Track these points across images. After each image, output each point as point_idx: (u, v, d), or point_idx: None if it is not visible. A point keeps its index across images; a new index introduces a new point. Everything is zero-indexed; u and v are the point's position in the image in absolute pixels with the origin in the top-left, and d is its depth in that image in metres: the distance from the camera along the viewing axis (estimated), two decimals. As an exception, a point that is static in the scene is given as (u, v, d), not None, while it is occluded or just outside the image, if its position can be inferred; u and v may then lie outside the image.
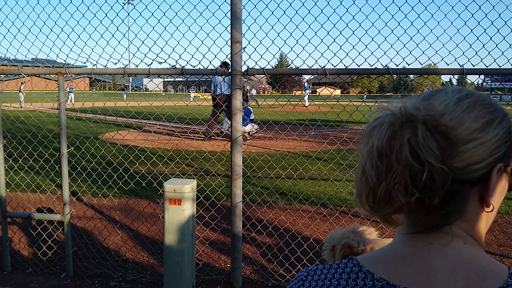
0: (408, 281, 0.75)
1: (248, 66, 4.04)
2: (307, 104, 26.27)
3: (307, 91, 29.92)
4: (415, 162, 0.72)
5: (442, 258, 0.76)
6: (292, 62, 4.45)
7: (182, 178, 4.52)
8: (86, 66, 4.36)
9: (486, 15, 3.71)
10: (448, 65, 3.73)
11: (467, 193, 0.76)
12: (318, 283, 0.83)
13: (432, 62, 4.54)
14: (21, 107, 28.62)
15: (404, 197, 0.74)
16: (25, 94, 31.25)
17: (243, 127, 14.57)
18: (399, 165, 0.73)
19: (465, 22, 3.76)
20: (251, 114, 14.73)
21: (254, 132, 14.72)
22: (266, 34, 4.21)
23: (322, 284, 0.82)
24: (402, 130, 0.74)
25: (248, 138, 14.55)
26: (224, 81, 12.32)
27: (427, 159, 0.71)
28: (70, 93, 34.43)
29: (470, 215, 0.78)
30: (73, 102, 33.27)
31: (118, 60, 4.40)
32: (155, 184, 5.62)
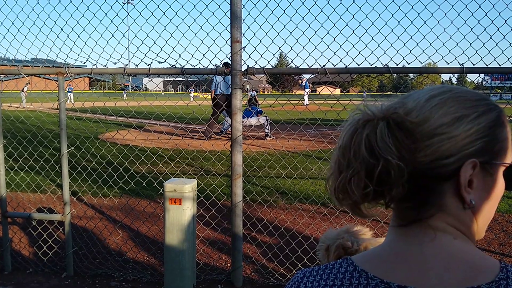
0: (401, 279, 0.76)
1: (248, 66, 4.04)
2: (307, 103, 26.24)
3: (307, 90, 29.84)
4: (370, 158, 0.75)
5: (434, 254, 0.76)
6: (292, 61, 4.45)
7: (183, 177, 4.53)
8: (86, 66, 4.36)
9: (486, 14, 3.71)
10: (448, 64, 3.73)
11: (441, 188, 0.77)
12: (314, 284, 0.84)
13: (432, 61, 4.54)
14: (23, 107, 28.65)
15: (358, 190, 0.78)
16: (27, 94, 31.28)
17: (249, 119, 14.67)
18: (356, 161, 0.77)
19: (465, 21, 3.76)
20: (258, 109, 14.90)
21: (264, 127, 14.79)
22: (266, 33, 4.21)
23: (318, 285, 0.83)
24: (364, 127, 0.77)
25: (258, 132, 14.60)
26: (224, 81, 12.33)
27: (382, 155, 0.74)
28: (69, 93, 34.48)
29: (452, 210, 0.78)
30: (73, 102, 33.30)
31: (118, 60, 4.40)
32: (155, 184, 5.63)
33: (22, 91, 30.94)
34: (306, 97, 26.94)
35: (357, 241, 1.57)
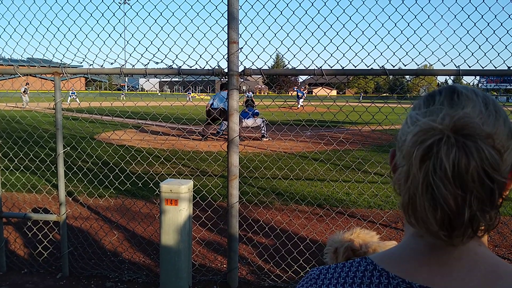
0: (423, 280, 0.76)
1: (245, 67, 4.05)
2: (300, 104, 26.39)
3: (302, 96, 29.86)
4: (488, 181, 0.69)
5: (458, 257, 0.76)
6: (289, 62, 4.46)
7: (179, 178, 4.52)
8: (83, 66, 4.35)
9: (482, 16, 3.73)
10: (444, 66, 3.74)
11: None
12: (332, 281, 0.83)
13: (428, 63, 4.56)
14: (24, 107, 28.63)
15: (484, 218, 0.71)
16: (28, 93, 31.20)
17: (245, 120, 14.74)
18: (476, 186, 0.69)
19: (461, 23, 3.77)
20: (255, 110, 15.04)
21: (261, 128, 14.86)
22: (263, 34, 4.21)
23: (336, 283, 0.82)
24: (468, 148, 0.69)
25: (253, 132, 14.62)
26: (221, 95, 12.79)
27: (495, 176, 0.69)
28: (72, 96, 34.70)
29: None
30: (78, 102, 33.40)
31: (115, 60, 4.40)
32: (151, 185, 5.62)
33: (23, 92, 30.93)
34: (300, 101, 27.08)
35: (365, 244, 1.57)
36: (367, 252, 1.52)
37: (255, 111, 15.23)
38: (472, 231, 0.72)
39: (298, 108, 26.16)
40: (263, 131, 14.69)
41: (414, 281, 0.76)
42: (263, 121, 14.57)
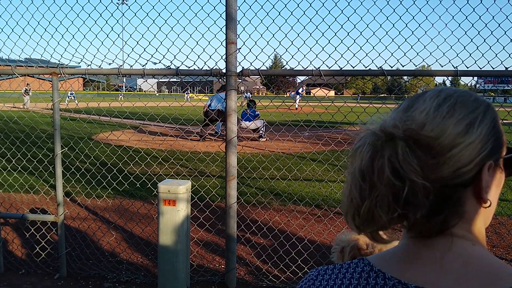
0: (419, 280, 0.76)
1: (243, 67, 4.05)
2: (297, 105, 26.47)
3: (298, 96, 29.93)
4: (396, 180, 0.72)
5: (454, 259, 0.76)
6: (287, 63, 4.46)
7: (177, 179, 4.52)
8: (80, 66, 4.34)
9: (480, 17, 3.74)
10: (442, 66, 3.76)
11: (463, 195, 0.77)
12: (330, 282, 0.84)
13: (426, 64, 4.56)
14: (25, 107, 28.58)
15: (386, 215, 0.75)
16: (31, 94, 31.16)
17: (245, 122, 14.72)
18: (381, 184, 0.74)
19: (459, 24, 3.79)
20: (255, 112, 15.04)
21: (259, 129, 14.83)
22: (261, 35, 4.22)
23: (334, 283, 0.83)
24: (383, 149, 0.74)
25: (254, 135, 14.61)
26: (219, 96, 12.83)
27: (409, 176, 0.72)
28: (69, 97, 34.67)
29: (471, 215, 0.79)
30: (76, 103, 33.41)
31: (113, 61, 4.39)
32: (149, 185, 5.61)
33: (25, 93, 30.89)
34: (297, 101, 27.14)
35: (371, 243, 1.58)
36: (373, 252, 1.53)
37: (256, 112, 15.23)
38: (375, 226, 0.78)
39: (296, 108, 26.22)
40: (261, 132, 14.70)
41: (410, 281, 0.76)
42: (263, 123, 14.58)
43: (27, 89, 30.83)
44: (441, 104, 0.78)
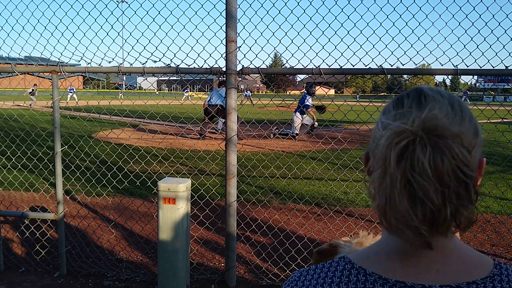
0: (399, 275, 0.78)
1: (243, 65, 4.04)
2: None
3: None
4: (463, 176, 0.72)
5: (433, 251, 0.78)
6: (287, 61, 4.47)
7: (177, 177, 4.52)
8: (80, 65, 4.34)
9: (480, 16, 3.74)
10: (442, 65, 3.75)
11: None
12: (312, 282, 0.85)
13: (426, 62, 4.56)
14: (31, 106, 28.62)
15: (464, 213, 0.74)
16: (36, 94, 31.17)
17: (297, 114, 13.89)
18: (452, 182, 0.72)
19: (459, 23, 3.78)
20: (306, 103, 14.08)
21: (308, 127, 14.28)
22: (261, 33, 4.21)
23: (316, 283, 0.84)
24: (440, 147, 0.72)
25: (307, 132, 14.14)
26: (219, 93, 12.69)
27: (467, 172, 0.73)
28: (70, 93, 34.56)
29: None
30: (76, 101, 33.37)
31: (113, 59, 4.39)
32: (149, 183, 5.61)
33: (31, 92, 30.93)
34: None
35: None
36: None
37: (306, 104, 13.85)
38: (456, 226, 0.75)
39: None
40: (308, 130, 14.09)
41: (390, 276, 0.78)
42: (312, 121, 13.96)
43: (34, 89, 30.86)
44: (452, 104, 0.79)
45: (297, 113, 13.81)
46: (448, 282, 0.76)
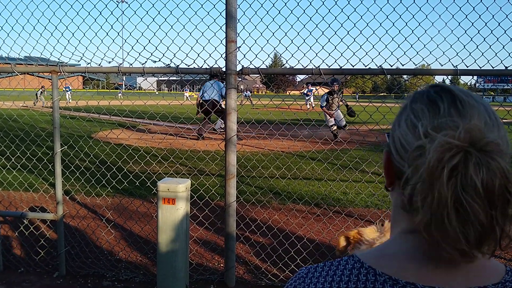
0: (410, 276, 0.77)
1: (242, 66, 4.04)
2: (308, 105, 26.43)
3: (310, 95, 29.74)
4: (509, 196, 0.70)
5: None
6: (287, 61, 4.47)
7: (176, 177, 4.51)
8: (80, 65, 4.34)
9: (479, 16, 3.73)
10: (442, 65, 3.75)
11: None
12: (320, 279, 0.84)
13: (426, 63, 4.56)
14: (42, 106, 28.58)
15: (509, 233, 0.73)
16: (45, 94, 31.18)
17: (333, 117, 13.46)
18: (500, 203, 0.70)
19: (459, 23, 3.78)
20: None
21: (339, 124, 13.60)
22: (261, 33, 4.21)
23: (324, 281, 0.83)
24: (492, 166, 0.70)
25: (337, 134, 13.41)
26: (212, 86, 12.16)
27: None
28: (66, 92, 34.42)
29: None
30: (70, 101, 33.25)
31: (112, 59, 4.39)
32: (148, 184, 5.61)
33: (38, 94, 30.90)
34: (311, 99, 27.06)
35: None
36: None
37: (321, 104, 12.88)
38: (499, 246, 0.73)
39: (308, 108, 26.07)
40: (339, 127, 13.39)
41: (400, 278, 0.77)
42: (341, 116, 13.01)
43: (42, 91, 30.87)
44: (487, 111, 0.78)
45: (324, 113, 13.22)
46: (460, 286, 0.76)
